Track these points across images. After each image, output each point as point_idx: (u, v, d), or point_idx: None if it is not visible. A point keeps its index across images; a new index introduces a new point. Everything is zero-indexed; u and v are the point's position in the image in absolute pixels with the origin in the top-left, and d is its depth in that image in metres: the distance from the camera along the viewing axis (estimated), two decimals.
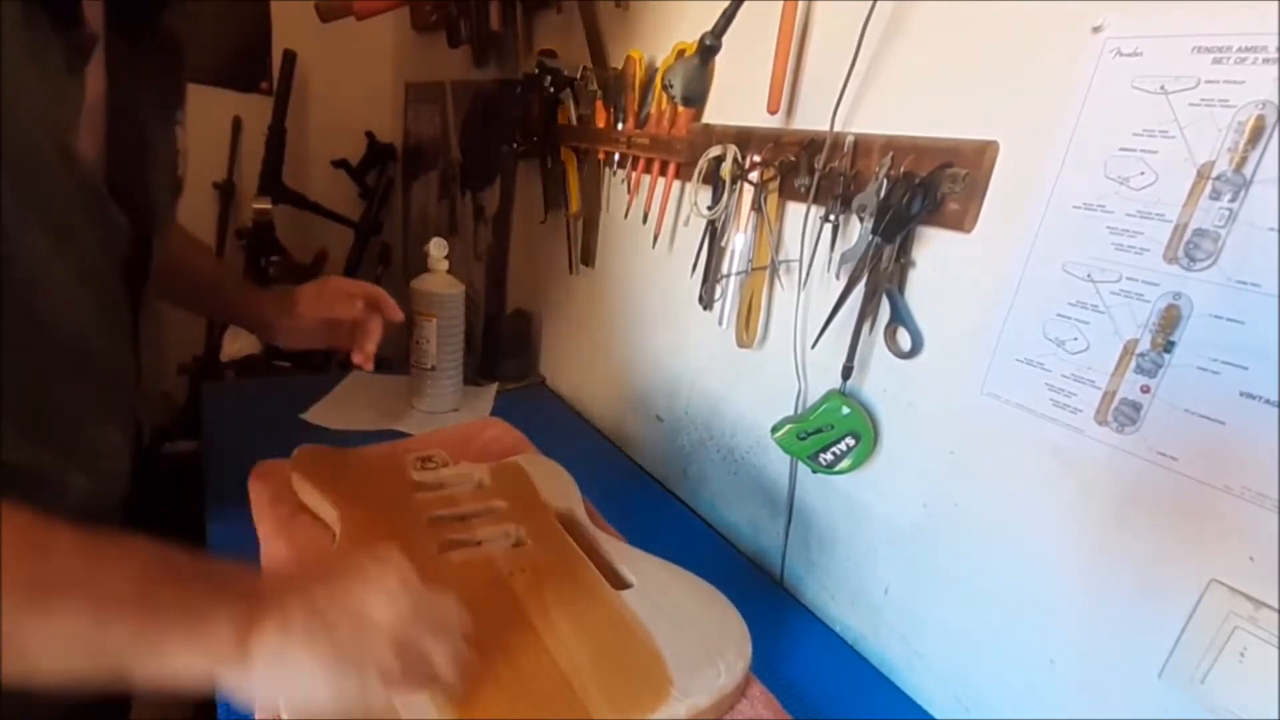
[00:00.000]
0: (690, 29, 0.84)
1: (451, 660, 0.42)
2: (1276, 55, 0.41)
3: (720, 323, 0.81)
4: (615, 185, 1.05)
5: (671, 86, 0.76)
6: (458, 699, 0.42)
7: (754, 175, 0.73)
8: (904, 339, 0.64)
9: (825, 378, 0.71)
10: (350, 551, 0.46)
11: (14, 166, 0.39)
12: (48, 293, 0.44)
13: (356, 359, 0.85)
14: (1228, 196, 0.43)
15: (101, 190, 0.48)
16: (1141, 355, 0.48)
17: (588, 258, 1.15)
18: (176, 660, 0.35)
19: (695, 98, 0.78)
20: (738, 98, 0.81)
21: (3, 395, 0.43)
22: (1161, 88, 0.46)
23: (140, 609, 0.34)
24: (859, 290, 0.65)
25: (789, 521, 0.79)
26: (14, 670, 0.32)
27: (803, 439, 0.70)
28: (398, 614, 0.40)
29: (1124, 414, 0.49)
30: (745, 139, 0.76)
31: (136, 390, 0.60)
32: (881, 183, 0.61)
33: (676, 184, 0.91)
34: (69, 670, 0.33)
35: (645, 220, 0.97)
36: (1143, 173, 0.47)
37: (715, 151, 0.76)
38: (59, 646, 0.33)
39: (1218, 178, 0.43)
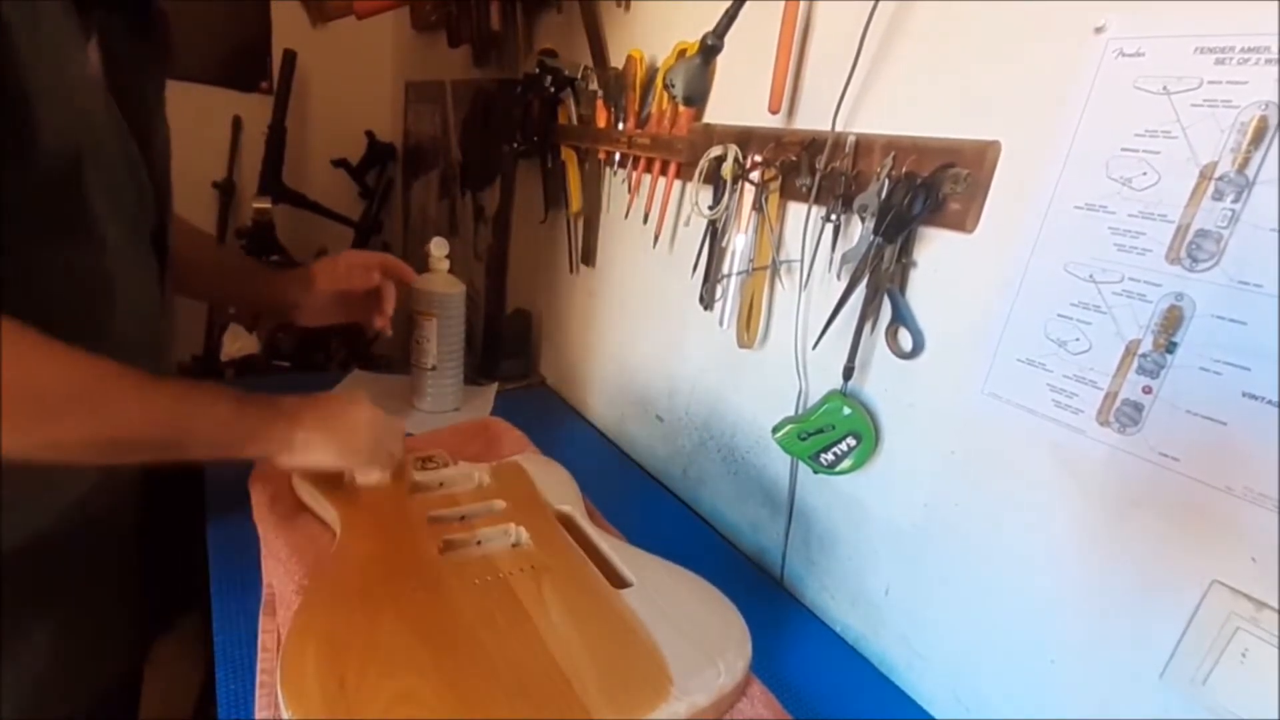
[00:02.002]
0: (691, 29, 0.84)
1: (399, 453, 0.74)
2: (1279, 56, 0.41)
3: (721, 323, 0.81)
4: (616, 185, 1.05)
5: (673, 86, 0.76)
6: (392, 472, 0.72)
7: (755, 175, 0.73)
8: (905, 339, 0.64)
9: (826, 378, 0.71)
10: (343, 395, 0.70)
11: (81, 118, 0.51)
12: (110, 255, 0.55)
13: (378, 323, 0.89)
14: (1230, 197, 0.43)
15: (135, 150, 0.56)
16: (1143, 356, 0.48)
17: (588, 258, 1.15)
18: (250, 451, 0.63)
19: (696, 97, 0.78)
20: (739, 97, 0.81)
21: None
22: (1164, 88, 0.46)
23: (231, 429, 0.60)
24: (860, 290, 0.65)
25: (789, 521, 0.79)
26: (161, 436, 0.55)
27: (804, 439, 0.70)
28: (373, 422, 0.70)
29: (1126, 414, 0.49)
30: (746, 139, 0.76)
31: (170, 365, 0.70)
32: (883, 183, 0.61)
33: (677, 184, 0.91)
34: (191, 441, 0.57)
35: (646, 220, 0.97)
36: (1145, 173, 0.47)
37: (716, 151, 0.76)
38: (193, 442, 0.58)
39: (1220, 178, 0.43)
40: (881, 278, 0.63)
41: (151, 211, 0.61)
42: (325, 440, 0.64)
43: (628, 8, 0.99)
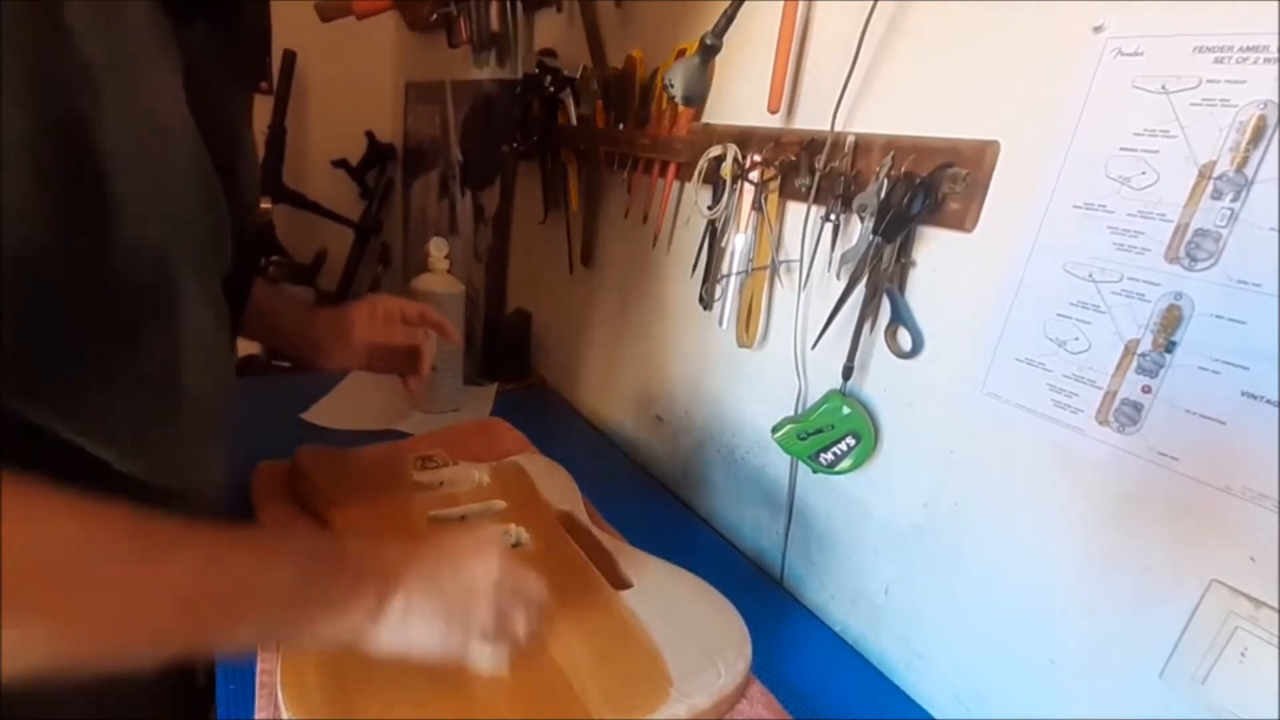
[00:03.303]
0: (691, 29, 0.84)
1: (531, 628, 0.50)
2: (1278, 55, 0.41)
3: (720, 323, 0.81)
4: (615, 185, 1.05)
5: (672, 86, 0.76)
6: (522, 655, 0.49)
7: (754, 175, 0.73)
8: (904, 339, 0.64)
9: (825, 378, 0.71)
10: (465, 536, 0.53)
11: (175, 197, 0.41)
12: (182, 317, 0.43)
13: (412, 385, 0.80)
14: (1229, 196, 0.43)
15: (217, 184, 0.45)
16: (1142, 355, 0.48)
17: (588, 258, 1.15)
18: (323, 634, 0.42)
19: (695, 97, 0.78)
20: (738, 97, 0.81)
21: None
22: (1163, 87, 0.46)
23: (297, 604, 0.42)
24: (859, 290, 0.65)
25: (789, 521, 0.79)
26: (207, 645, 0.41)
27: (803, 439, 0.70)
28: (497, 587, 0.48)
29: (1125, 414, 0.49)
30: (746, 139, 0.76)
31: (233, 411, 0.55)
32: (882, 183, 0.61)
33: (676, 184, 0.91)
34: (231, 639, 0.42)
35: (645, 220, 0.97)
36: (1144, 172, 0.47)
37: (715, 151, 0.76)
38: (234, 631, 0.41)
39: (1219, 177, 0.43)
40: (881, 277, 0.63)
41: (228, 248, 0.49)
42: (430, 612, 0.45)
43: (627, 8, 0.99)
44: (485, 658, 0.47)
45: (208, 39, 0.46)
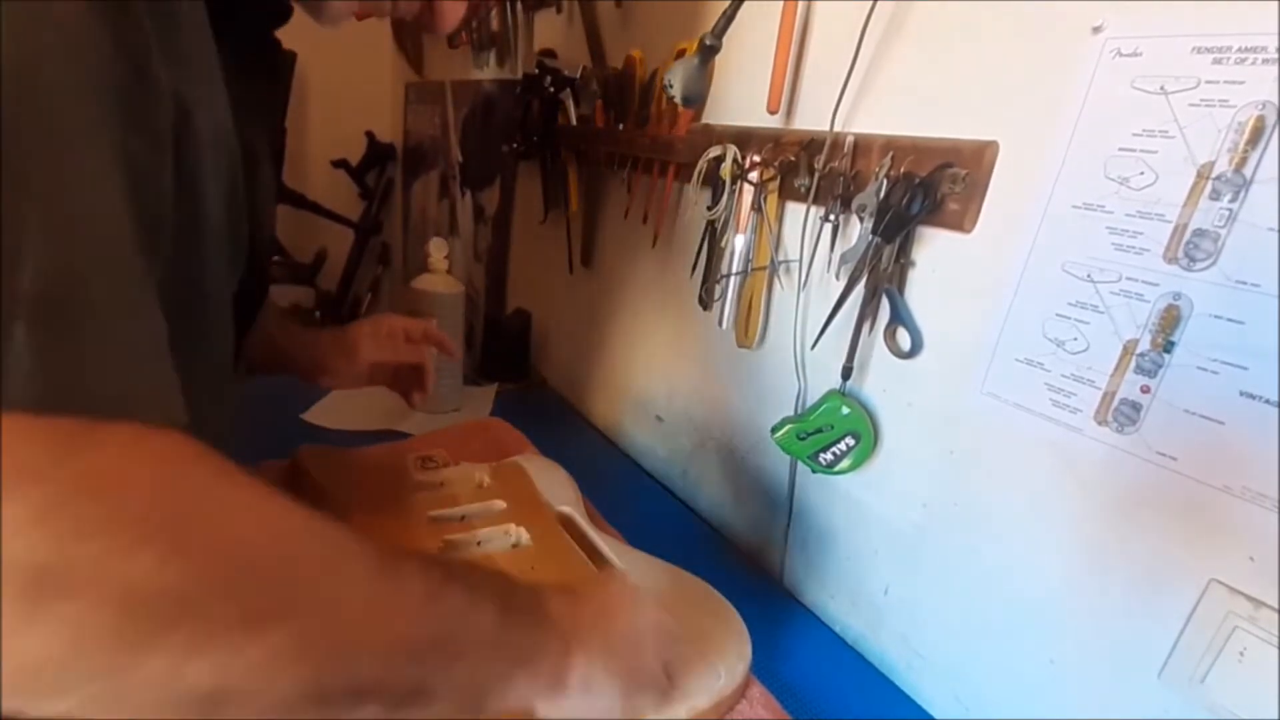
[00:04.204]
0: (691, 29, 0.84)
1: (683, 675, 0.49)
2: (1276, 55, 0.41)
3: (720, 323, 0.81)
4: (615, 185, 1.05)
5: (671, 86, 0.76)
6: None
7: (754, 175, 0.73)
8: (904, 339, 0.64)
9: (825, 378, 0.71)
10: (613, 583, 0.51)
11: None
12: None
13: (415, 400, 0.80)
14: (1228, 197, 0.43)
15: (243, 202, 0.44)
16: (1141, 355, 0.48)
17: (588, 258, 1.15)
18: (514, 695, 0.36)
19: (695, 98, 0.78)
20: (738, 98, 0.81)
21: None
22: (1161, 88, 0.46)
23: (497, 652, 0.36)
24: (859, 290, 0.65)
25: (789, 521, 0.79)
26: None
27: (803, 439, 0.70)
28: (661, 634, 0.47)
29: (1124, 414, 0.49)
30: (745, 139, 0.76)
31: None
32: (881, 183, 0.61)
33: (676, 184, 0.91)
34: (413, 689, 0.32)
35: (645, 220, 0.97)
36: (1142, 173, 0.47)
37: (715, 151, 0.76)
38: (448, 673, 0.34)
39: (1218, 178, 0.43)
40: (880, 277, 0.63)
41: (241, 266, 0.48)
42: (609, 677, 0.41)
43: (627, 8, 0.99)
44: (652, 709, 0.46)
45: (235, 60, 0.45)
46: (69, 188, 0.26)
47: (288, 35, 0.56)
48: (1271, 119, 0.41)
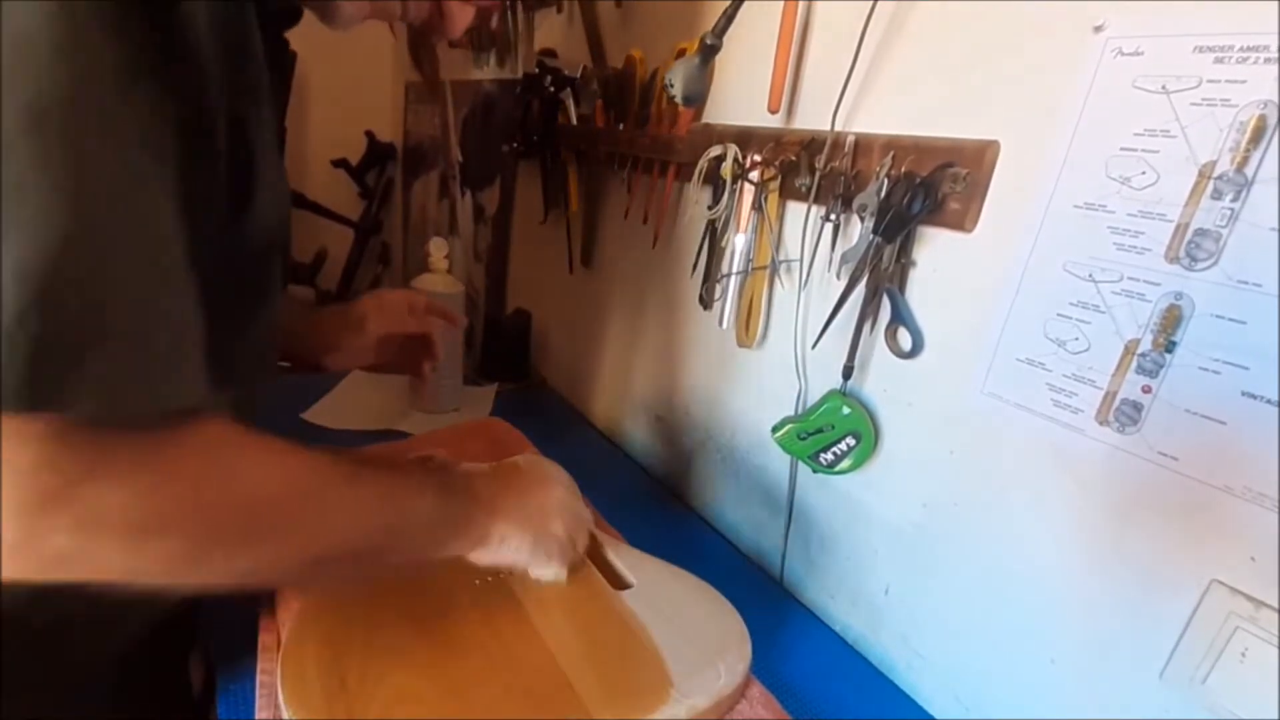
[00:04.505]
0: (691, 29, 0.84)
1: (583, 545, 0.63)
2: (1278, 55, 0.41)
3: (720, 323, 0.81)
4: (615, 185, 1.05)
5: (672, 86, 0.76)
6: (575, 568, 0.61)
7: (754, 175, 0.73)
8: (904, 339, 0.64)
9: (826, 377, 0.71)
10: (533, 467, 0.64)
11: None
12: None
13: (426, 369, 0.83)
14: (1229, 196, 0.43)
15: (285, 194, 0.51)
16: (1142, 355, 0.48)
17: (588, 258, 1.15)
18: (449, 551, 0.52)
19: (695, 97, 0.78)
20: (738, 97, 0.81)
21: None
22: (1163, 87, 0.46)
23: (434, 529, 0.50)
24: (859, 290, 0.65)
25: (789, 521, 0.79)
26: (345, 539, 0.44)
27: (803, 439, 0.70)
28: (568, 513, 0.60)
29: (1125, 414, 0.49)
30: (746, 139, 0.76)
31: None
32: (882, 182, 0.61)
33: (676, 184, 0.91)
34: (373, 542, 0.46)
35: (645, 220, 0.97)
36: (1144, 172, 0.47)
37: (715, 151, 0.76)
38: (398, 547, 0.48)
39: (1219, 177, 0.43)
40: (881, 277, 0.63)
41: (283, 258, 0.55)
42: (521, 535, 0.56)
43: (627, 8, 0.99)
44: (550, 571, 0.59)
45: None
46: (109, 184, 0.30)
47: (288, 35, 0.56)
48: (1273, 118, 0.41)
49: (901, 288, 0.63)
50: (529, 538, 0.56)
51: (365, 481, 0.45)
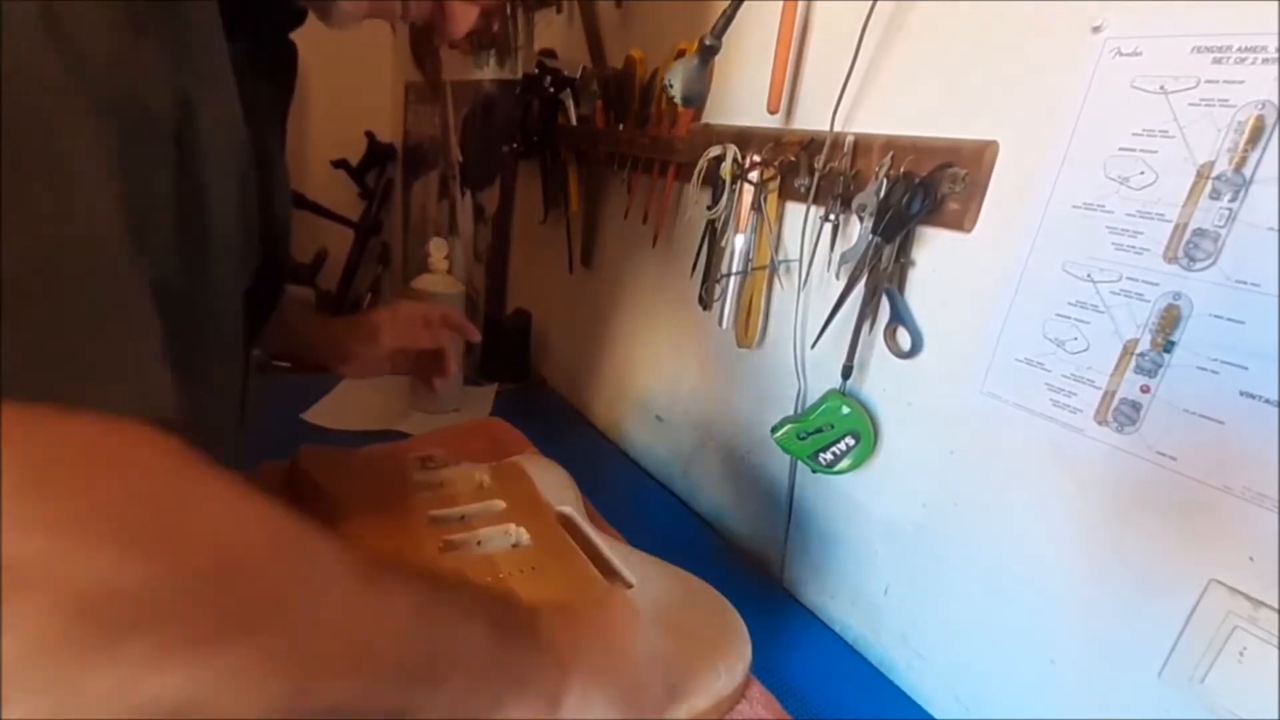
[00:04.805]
0: (691, 29, 0.84)
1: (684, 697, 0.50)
2: (1276, 55, 0.41)
3: (720, 323, 0.81)
4: (615, 185, 1.05)
5: (671, 86, 0.76)
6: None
7: (754, 175, 0.73)
8: (904, 339, 0.64)
9: (825, 377, 0.71)
10: (614, 602, 0.52)
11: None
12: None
13: (436, 383, 0.84)
14: (1228, 196, 0.43)
15: (254, 201, 0.45)
16: (1141, 355, 0.48)
17: (588, 258, 1.15)
18: (504, 709, 0.35)
19: (695, 98, 0.78)
20: (737, 98, 0.81)
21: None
22: (1161, 87, 0.46)
23: (489, 671, 0.35)
24: (859, 290, 0.65)
25: (789, 521, 0.79)
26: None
27: (803, 439, 0.70)
28: (654, 656, 0.47)
29: (1124, 414, 0.49)
30: (745, 139, 0.76)
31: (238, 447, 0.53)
32: (881, 182, 0.61)
33: (676, 184, 0.91)
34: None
35: (645, 220, 0.97)
36: (1142, 172, 0.47)
37: (715, 151, 0.76)
38: (435, 694, 0.32)
39: (1217, 178, 0.43)
40: (880, 277, 0.63)
41: (253, 263, 0.48)
42: (607, 699, 0.40)
43: (626, 8, 0.99)
44: None
45: (248, 60, 0.44)
46: (54, 182, 0.26)
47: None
48: (1271, 118, 0.41)
49: (901, 288, 0.63)
50: (619, 702, 0.40)
51: (391, 584, 0.31)
